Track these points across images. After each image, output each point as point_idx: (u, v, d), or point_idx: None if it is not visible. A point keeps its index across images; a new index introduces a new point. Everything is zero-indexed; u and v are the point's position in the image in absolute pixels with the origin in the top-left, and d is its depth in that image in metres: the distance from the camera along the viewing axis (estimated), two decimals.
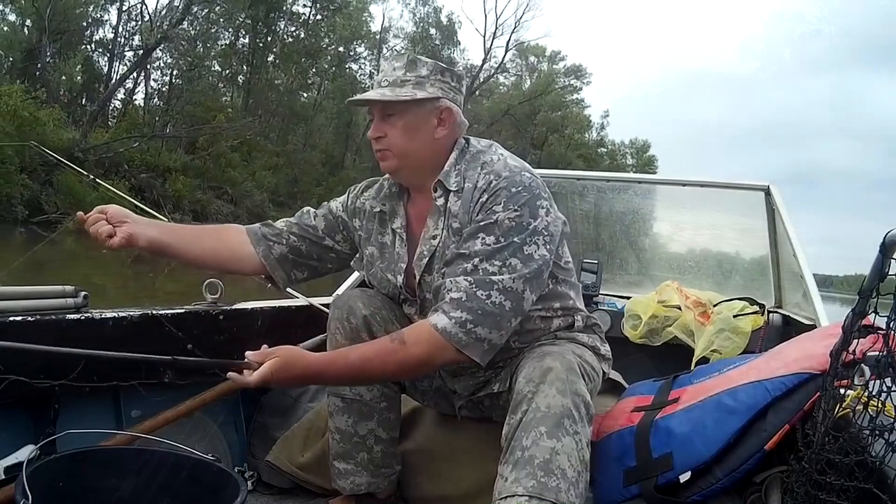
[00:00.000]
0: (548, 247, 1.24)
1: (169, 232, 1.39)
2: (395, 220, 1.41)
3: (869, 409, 0.95)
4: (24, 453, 1.18)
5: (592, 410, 1.18)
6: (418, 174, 1.35)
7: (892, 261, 0.91)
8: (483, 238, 1.21)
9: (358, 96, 1.35)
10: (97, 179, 2.32)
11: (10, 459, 1.21)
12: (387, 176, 1.42)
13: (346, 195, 1.51)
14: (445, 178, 1.31)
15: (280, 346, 1.22)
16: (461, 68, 34.08)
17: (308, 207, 1.54)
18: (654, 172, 38.12)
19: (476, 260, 1.20)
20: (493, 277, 1.18)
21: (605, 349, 1.45)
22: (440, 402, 1.53)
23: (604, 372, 1.41)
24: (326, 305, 1.63)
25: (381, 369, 1.21)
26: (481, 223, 1.23)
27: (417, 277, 1.36)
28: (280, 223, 1.49)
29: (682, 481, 1.25)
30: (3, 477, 1.19)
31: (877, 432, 0.90)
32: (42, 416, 1.34)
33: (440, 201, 1.32)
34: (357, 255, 1.51)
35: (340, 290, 1.99)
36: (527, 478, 1.05)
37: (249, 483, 1.67)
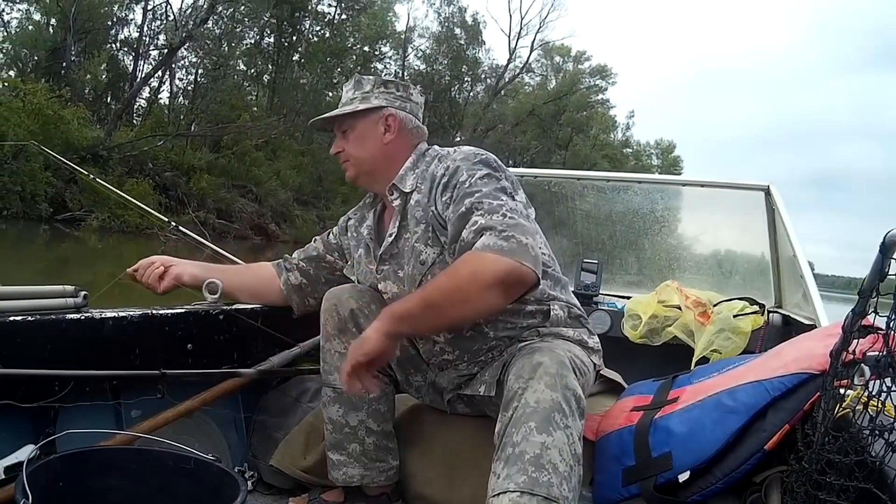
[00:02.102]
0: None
1: (209, 270, 1.72)
2: (363, 224, 1.57)
3: (869, 409, 0.95)
4: (24, 453, 1.18)
5: (584, 404, 1.17)
6: (375, 179, 1.48)
7: (892, 261, 0.91)
8: (469, 199, 1.27)
9: (315, 118, 1.53)
10: (97, 179, 2.32)
11: (10, 459, 1.21)
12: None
13: (340, 219, 1.69)
14: (400, 181, 1.43)
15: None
16: (486, 68, 34.27)
17: (315, 237, 1.75)
18: (680, 173, 38.23)
19: (472, 206, 1.25)
20: (494, 203, 1.24)
21: (594, 341, 1.45)
22: (435, 398, 1.55)
23: (595, 364, 1.41)
24: None
25: (449, 291, 1.18)
26: (460, 196, 1.30)
27: (374, 271, 1.50)
28: (294, 254, 1.72)
29: (681, 481, 1.25)
30: (3, 477, 1.18)
31: (877, 432, 0.90)
32: (42, 416, 1.34)
33: (396, 203, 1.43)
34: (349, 263, 1.64)
35: None
36: (518, 473, 1.05)
37: (249, 483, 1.68)
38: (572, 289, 2.62)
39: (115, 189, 2.40)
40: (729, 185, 2.78)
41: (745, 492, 1.26)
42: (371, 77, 1.48)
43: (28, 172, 14.27)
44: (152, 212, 2.18)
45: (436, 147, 1.49)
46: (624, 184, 3.15)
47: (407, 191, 1.42)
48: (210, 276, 1.69)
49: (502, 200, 1.25)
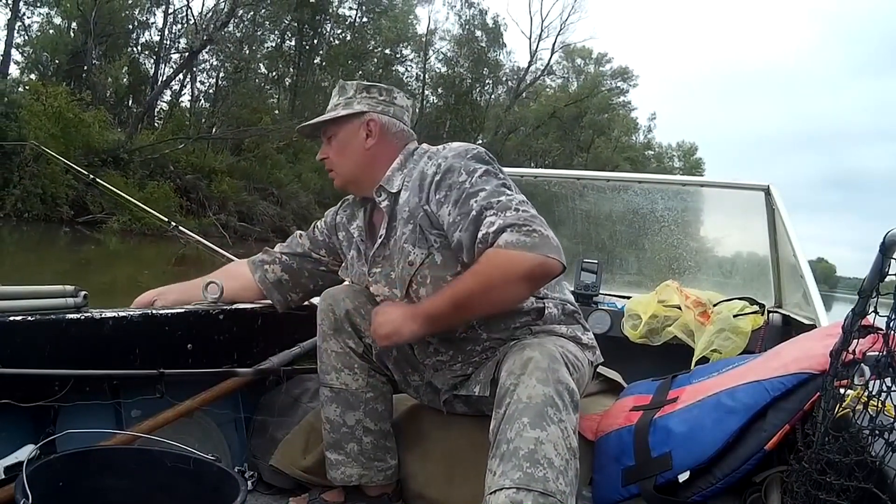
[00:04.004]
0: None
1: (183, 291, 1.69)
2: (353, 224, 1.57)
3: (869, 409, 0.95)
4: (24, 453, 1.18)
5: (577, 398, 1.17)
6: (361, 185, 1.49)
7: (893, 261, 0.91)
8: (474, 199, 1.27)
9: (301, 125, 1.54)
10: (97, 179, 2.32)
11: (10, 459, 1.21)
12: None
13: (327, 215, 1.67)
14: (387, 182, 1.43)
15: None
16: (508, 70, 34.29)
17: (298, 231, 1.72)
18: (702, 175, 38.40)
19: (483, 207, 1.25)
20: (504, 199, 1.25)
21: (588, 337, 1.45)
22: (433, 398, 1.55)
23: (590, 360, 1.41)
24: None
25: (480, 290, 1.23)
26: (462, 197, 1.29)
27: (367, 273, 1.50)
28: (276, 247, 1.70)
29: (681, 481, 1.25)
30: (3, 476, 1.19)
31: (877, 432, 0.90)
32: (42, 415, 1.34)
33: (384, 204, 1.43)
34: (342, 264, 1.63)
35: None
36: (513, 470, 1.05)
37: (249, 483, 1.68)
38: (572, 289, 2.64)
39: (115, 189, 2.41)
40: (729, 185, 2.78)
41: (745, 492, 1.26)
42: (354, 82, 1.50)
43: (49, 175, 14.32)
44: (153, 212, 2.18)
45: (424, 145, 1.49)
46: (624, 184, 3.15)
47: (394, 191, 1.42)
48: (185, 297, 1.68)
49: (510, 195, 1.26)
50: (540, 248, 1.18)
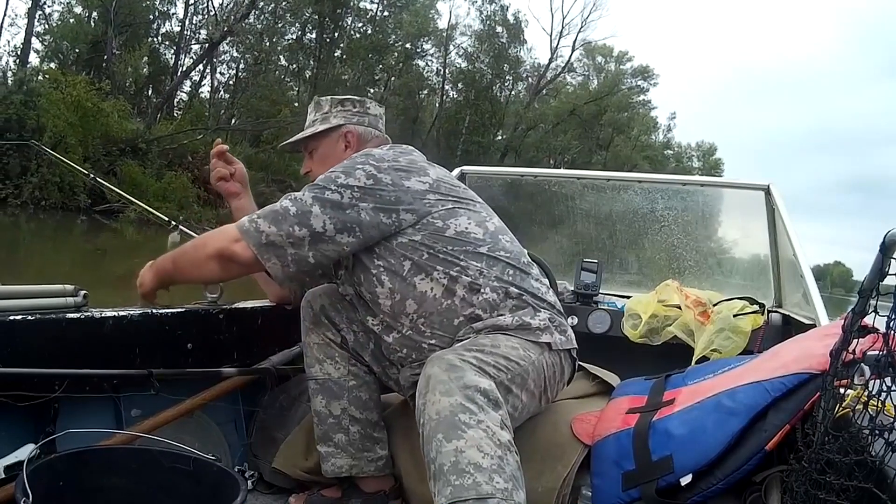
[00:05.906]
0: (357, 200, 1.32)
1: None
2: None
3: (869, 409, 0.95)
4: (25, 452, 1.18)
5: (496, 395, 1.13)
6: None
7: (893, 260, 0.91)
8: None
9: (283, 143, 1.65)
10: (97, 179, 2.33)
11: (10, 458, 1.21)
12: None
13: None
14: None
15: None
16: (528, 67, 34.10)
17: None
18: (721, 176, 38.26)
19: None
20: (290, 194, 1.35)
21: (540, 318, 1.34)
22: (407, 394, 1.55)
23: (546, 344, 1.33)
24: None
25: (186, 254, 1.39)
26: None
27: (335, 275, 1.55)
28: None
29: (683, 484, 1.25)
30: (4, 476, 1.19)
31: (877, 432, 0.90)
32: (42, 415, 1.34)
33: None
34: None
35: None
36: (444, 487, 1.04)
37: (249, 483, 1.68)
38: (572, 288, 2.64)
39: (116, 189, 2.42)
40: (729, 185, 2.79)
41: (745, 491, 1.26)
42: (328, 98, 1.59)
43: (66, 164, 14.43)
44: (153, 211, 2.19)
45: (368, 150, 1.46)
46: (624, 183, 3.15)
47: None
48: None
49: (303, 194, 1.32)
50: (245, 234, 1.30)
